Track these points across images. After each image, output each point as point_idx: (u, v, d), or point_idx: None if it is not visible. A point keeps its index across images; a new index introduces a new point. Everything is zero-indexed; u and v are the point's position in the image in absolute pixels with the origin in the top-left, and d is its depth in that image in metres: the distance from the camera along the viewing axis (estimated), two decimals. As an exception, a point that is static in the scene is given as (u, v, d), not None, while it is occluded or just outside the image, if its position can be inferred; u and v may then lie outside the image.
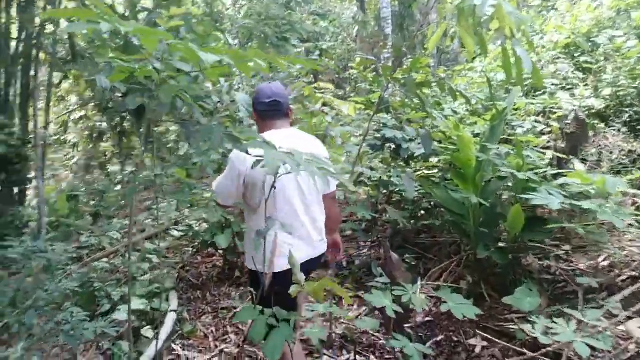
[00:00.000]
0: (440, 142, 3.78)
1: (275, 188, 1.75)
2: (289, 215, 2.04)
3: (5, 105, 6.75)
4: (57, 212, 6.75)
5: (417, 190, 3.46)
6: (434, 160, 4.09)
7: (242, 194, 2.09)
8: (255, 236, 1.66)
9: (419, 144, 3.23)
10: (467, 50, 2.94)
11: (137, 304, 3.60)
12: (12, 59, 6.23)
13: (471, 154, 3.06)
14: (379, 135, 4.07)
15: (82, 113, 10.70)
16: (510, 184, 3.16)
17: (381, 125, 4.14)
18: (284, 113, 2.23)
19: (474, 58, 6.90)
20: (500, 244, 3.16)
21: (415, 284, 2.39)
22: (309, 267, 2.11)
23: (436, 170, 4.04)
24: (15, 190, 6.46)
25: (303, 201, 2.10)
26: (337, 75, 11.69)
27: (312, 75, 13.73)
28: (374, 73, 3.68)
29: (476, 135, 3.80)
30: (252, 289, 2.08)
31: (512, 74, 2.50)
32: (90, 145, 11.12)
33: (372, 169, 4.02)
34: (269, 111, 2.20)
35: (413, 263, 3.66)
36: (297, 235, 2.04)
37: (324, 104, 4.95)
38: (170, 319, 3.53)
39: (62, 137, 11.48)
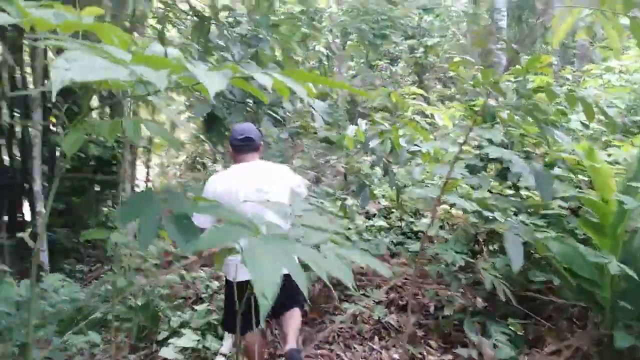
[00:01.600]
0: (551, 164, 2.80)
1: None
2: None
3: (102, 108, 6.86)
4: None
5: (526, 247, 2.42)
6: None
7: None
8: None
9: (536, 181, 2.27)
10: (608, 45, 1.99)
11: (188, 340, 3.15)
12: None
13: (610, 196, 2.10)
14: (480, 153, 3.19)
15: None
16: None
17: (484, 140, 3.25)
18: (253, 148, 2.54)
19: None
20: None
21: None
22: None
23: (554, 209, 2.99)
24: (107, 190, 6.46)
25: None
26: (442, 74, 10.62)
27: (415, 75, 12.77)
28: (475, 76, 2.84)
29: (613, 163, 2.76)
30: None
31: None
32: (196, 145, 11.26)
33: (467, 197, 3.14)
34: (242, 146, 2.52)
35: (519, 333, 2.72)
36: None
37: (416, 112, 4.13)
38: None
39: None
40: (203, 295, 4.21)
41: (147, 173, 8.60)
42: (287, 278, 1.76)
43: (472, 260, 2.95)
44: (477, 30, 10.30)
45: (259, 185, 2.33)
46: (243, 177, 2.39)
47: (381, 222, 4.55)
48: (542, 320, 2.85)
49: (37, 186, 4.27)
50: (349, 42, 10.84)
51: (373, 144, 3.61)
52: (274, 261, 0.68)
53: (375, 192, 5.21)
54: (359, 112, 10.50)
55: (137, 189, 7.21)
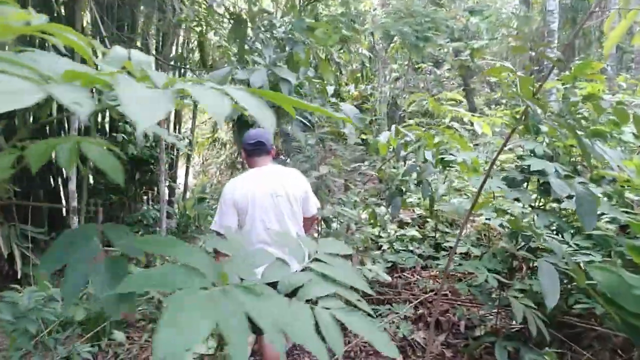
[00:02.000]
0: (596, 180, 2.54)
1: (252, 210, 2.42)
2: (266, 231, 2.44)
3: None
4: (185, 213, 6.74)
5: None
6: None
7: (237, 219, 2.49)
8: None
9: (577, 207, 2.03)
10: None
11: (205, 347, 3.09)
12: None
13: (666, 220, 1.86)
14: (520, 165, 2.97)
15: (231, 113, 10.94)
16: None
17: (527, 152, 3.03)
18: (265, 152, 2.63)
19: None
20: None
21: None
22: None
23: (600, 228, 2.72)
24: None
25: (279, 221, 2.48)
26: (488, 77, 10.20)
27: (461, 78, 12.37)
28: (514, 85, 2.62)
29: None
30: None
31: None
32: (236, 145, 11.35)
33: (504, 211, 2.92)
34: (254, 150, 2.60)
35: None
36: (275, 247, 2.19)
37: (453, 119, 3.93)
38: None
39: (215, 136, 11.94)
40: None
41: (187, 171, 8.70)
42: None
43: (507, 281, 2.73)
44: (519, 35, 9.83)
45: (272, 190, 2.48)
46: (258, 182, 2.50)
47: (414, 232, 4.36)
48: (582, 349, 2.60)
49: (72, 185, 4.34)
50: (391, 45, 10.63)
51: (407, 150, 3.45)
52: (200, 317, 0.55)
53: (409, 200, 5.02)
54: (400, 116, 10.27)
55: (174, 187, 7.31)
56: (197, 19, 5.67)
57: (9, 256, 4.52)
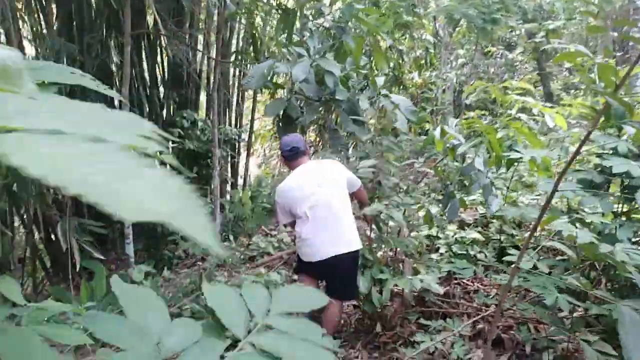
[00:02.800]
0: None
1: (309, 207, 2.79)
2: (322, 221, 2.76)
3: (197, 102, 6.97)
4: (239, 206, 6.68)
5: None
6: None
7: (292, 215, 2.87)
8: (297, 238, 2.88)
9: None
10: None
11: None
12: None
13: None
14: (600, 165, 2.53)
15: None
16: None
17: (607, 151, 2.58)
18: (301, 154, 2.94)
19: None
20: None
21: None
22: (340, 259, 2.74)
23: None
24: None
25: (332, 211, 2.78)
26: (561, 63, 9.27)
27: (535, 62, 11.42)
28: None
29: None
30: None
31: None
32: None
33: (580, 221, 2.48)
34: (292, 155, 2.93)
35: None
36: (328, 235, 2.75)
37: (522, 110, 3.47)
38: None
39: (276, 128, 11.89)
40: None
41: (247, 164, 8.68)
42: (344, 263, 2.78)
43: (581, 304, 2.31)
44: (599, 14, 8.78)
45: (319, 180, 2.82)
46: (305, 176, 2.86)
47: (475, 235, 3.95)
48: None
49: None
50: (457, 29, 9.97)
51: (463, 148, 3.06)
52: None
53: (472, 197, 4.59)
54: (465, 105, 9.63)
55: (230, 181, 7.30)
56: (247, 11, 5.52)
57: (68, 250, 4.64)
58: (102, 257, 4.73)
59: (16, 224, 6.80)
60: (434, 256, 3.97)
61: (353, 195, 3.03)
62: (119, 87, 7.39)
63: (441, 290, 2.68)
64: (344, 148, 3.50)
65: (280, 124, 3.62)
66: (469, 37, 10.21)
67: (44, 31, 6.35)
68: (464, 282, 3.65)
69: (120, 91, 4.61)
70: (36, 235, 5.64)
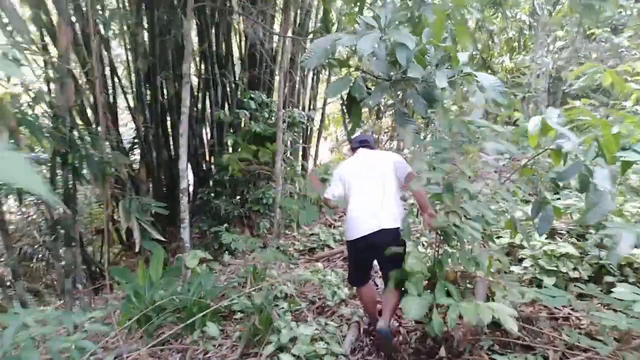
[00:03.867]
0: None
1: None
2: (364, 202, 3.02)
3: (271, 84, 6.65)
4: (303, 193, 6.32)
5: None
6: None
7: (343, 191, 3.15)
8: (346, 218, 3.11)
9: None
10: None
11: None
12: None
13: None
14: None
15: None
16: None
17: None
18: (368, 147, 3.36)
19: None
20: None
21: None
22: (379, 236, 2.90)
23: None
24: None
25: (375, 192, 3.02)
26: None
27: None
28: None
29: None
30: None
31: None
32: (371, 121, 10.66)
33: None
34: (359, 147, 3.34)
35: None
36: (368, 215, 2.97)
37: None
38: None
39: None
40: (328, 303, 3.58)
41: (317, 149, 8.32)
42: (382, 239, 2.88)
43: None
44: None
45: (368, 167, 3.12)
46: (359, 162, 3.20)
47: (569, 248, 3.25)
48: None
49: (182, 163, 4.11)
50: (557, 8, 8.80)
51: (568, 146, 2.42)
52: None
53: (566, 201, 3.85)
54: (564, 93, 8.49)
55: (295, 166, 6.94)
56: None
57: (129, 229, 4.55)
58: (161, 239, 4.59)
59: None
60: (516, 269, 3.33)
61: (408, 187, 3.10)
62: (195, 65, 7.32)
63: (515, 327, 2.10)
64: (416, 136, 2.96)
65: (344, 106, 3.14)
66: (570, 17, 8.97)
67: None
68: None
69: (180, 68, 4.36)
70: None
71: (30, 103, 3.84)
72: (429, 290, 2.57)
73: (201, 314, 3.31)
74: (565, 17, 9.65)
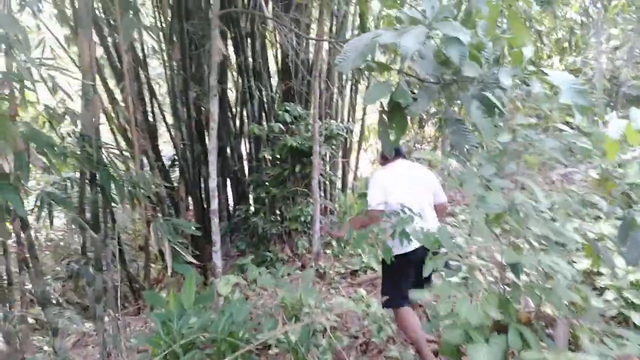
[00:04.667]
0: None
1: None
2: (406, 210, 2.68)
3: (300, 96, 6.28)
4: (346, 209, 5.89)
5: None
6: None
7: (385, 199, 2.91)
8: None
9: None
10: None
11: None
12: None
13: None
14: None
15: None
16: None
17: None
18: (402, 156, 3.14)
19: None
20: None
21: None
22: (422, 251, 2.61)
23: None
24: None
25: (420, 208, 2.79)
26: None
27: None
28: None
29: None
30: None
31: None
32: (415, 130, 10.13)
33: None
34: (393, 157, 3.07)
35: None
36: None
37: None
38: None
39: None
40: (374, 340, 3.10)
41: (357, 162, 7.88)
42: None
43: None
44: None
45: (413, 179, 2.96)
46: (398, 174, 3.00)
47: (664, 277, 2.65)
48: None
49: (212, 182, 3.77)
50: (613, 4, 8.03)
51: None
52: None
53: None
54: (624, 95, 7.69)
55: (335, 181, 6.53)
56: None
57: (161, 252, 4.26)
58: (194, 262, 4.26)
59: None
60: (596, 302, 2.75)
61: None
62: (228, 77, 7.08)
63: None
64: (472, 148, 2.48)
65: (384, 114, 2.71)
66: (628, 13, 8.17)
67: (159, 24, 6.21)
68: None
69: (207, 80, 4.06)
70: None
71: (50, 121, 3.63)
72: (496, 333, 2.07)
73: (232, 356, 2.92)
74: (619, 13, 8.82)
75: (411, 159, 3.45)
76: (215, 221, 3.78)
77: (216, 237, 3.79)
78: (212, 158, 3.77)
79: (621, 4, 7.82)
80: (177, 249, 4.25)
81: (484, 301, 2.04)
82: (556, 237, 2.09)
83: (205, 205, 6.40)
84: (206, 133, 6.58)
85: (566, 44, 9.38)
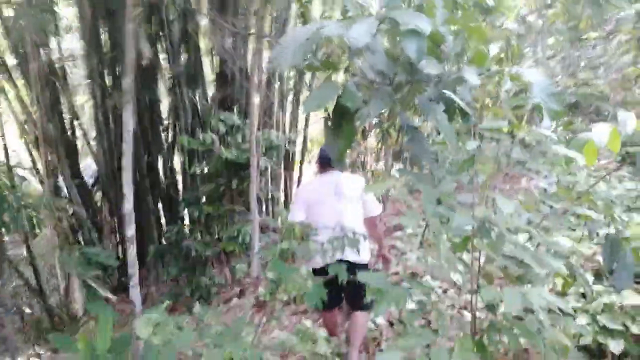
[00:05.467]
0: None
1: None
2: (331, 230, 2.66)
3: (247, 104, 5.81)
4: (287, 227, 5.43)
5: None
6: None
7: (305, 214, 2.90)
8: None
9: None
10: None
11: None
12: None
13: None
14: None
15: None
16: None
17: None
18: (333, 167, 3.03)
19: None
20: None
21: None
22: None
23: None
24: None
25: (339, 215, 2.81)
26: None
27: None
28: None
29: None
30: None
31: None
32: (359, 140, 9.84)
33: None
34: (329, 164, 2.96)
35: None
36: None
37: None
38: None
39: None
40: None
41: (300, 175, 7.47)
42: (349, 271, 2.20)
43: None
44: None
45: (334, 191, 2.87)
46: (323, 185, 2.95)
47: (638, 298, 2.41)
48: None
49: (129, 204, 3.20)
50: (550, 12, 8.16)
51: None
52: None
53: None
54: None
55: (276, 197, 6.06)
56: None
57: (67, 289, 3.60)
58: (110, 296, 3.63)
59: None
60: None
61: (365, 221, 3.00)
62: (160, 86, 6.47)
63: None
64: (431, 159, 2.12)
65: (329, 121, 2.29)
66: (564, 22, 8.35)
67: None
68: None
69: (119, 84, 3.51)
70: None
71: None
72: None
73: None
74: (555, 21, 9.02)
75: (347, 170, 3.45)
76: (131, 251, 3.20)
77: (132, 269, 3.20)
78: (127, 175, 3.20)
79: (557, 14, 7.97)
80: (91, 282, 3.61)
81: (459, 346, 1.66)
82: (533, 263, 1.76)
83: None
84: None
85: (502, 56, 9.54)
